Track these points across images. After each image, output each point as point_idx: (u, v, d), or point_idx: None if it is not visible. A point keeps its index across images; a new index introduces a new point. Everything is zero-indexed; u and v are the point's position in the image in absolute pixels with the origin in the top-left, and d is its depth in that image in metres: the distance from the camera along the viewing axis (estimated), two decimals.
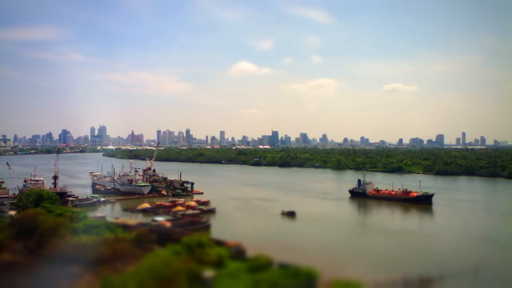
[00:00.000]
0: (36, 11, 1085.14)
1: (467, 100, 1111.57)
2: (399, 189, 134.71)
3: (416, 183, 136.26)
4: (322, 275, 36.23)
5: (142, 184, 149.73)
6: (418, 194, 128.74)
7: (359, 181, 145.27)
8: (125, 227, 66.30)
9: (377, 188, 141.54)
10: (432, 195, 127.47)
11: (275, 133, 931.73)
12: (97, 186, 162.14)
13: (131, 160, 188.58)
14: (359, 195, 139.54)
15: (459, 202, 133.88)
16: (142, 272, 34.40)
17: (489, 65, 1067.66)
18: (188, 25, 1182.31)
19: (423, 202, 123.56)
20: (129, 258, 42.50)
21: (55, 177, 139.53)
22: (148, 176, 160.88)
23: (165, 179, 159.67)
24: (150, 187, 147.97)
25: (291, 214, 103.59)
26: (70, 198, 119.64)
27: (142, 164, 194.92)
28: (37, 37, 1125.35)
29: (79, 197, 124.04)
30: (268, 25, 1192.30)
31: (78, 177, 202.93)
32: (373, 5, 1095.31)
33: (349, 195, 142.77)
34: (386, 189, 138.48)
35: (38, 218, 58.18)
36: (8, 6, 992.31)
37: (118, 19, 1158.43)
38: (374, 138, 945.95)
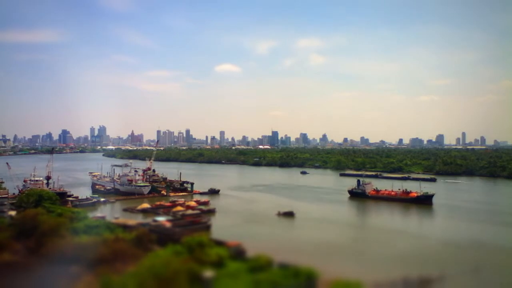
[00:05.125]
0: (36, 13, 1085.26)
1: (467, 100, 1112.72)
2: (399, 189, 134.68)
3: (416, 183, 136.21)
4: (322, 275, 36.20)
5: (142, 184, 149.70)
6: (418, 194, 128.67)
7: (358, 181, 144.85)
8: (125, 227, 66.16)
9: (376, 188, 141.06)
10: (432, 195, 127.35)
11: (275, 133, 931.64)
12: (97, 186, 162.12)
13: (130, 160, 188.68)
14: (358, 195, 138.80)
15: (459, 202, 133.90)
16: (142, 272, 34.35)
17: (488, 63, 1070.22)
18: (187, 25, 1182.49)
19: (424, 202, 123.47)
20: (129, 258, 42.42)
21: (48, 177, 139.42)
22: (148, 176, 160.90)
23: (165, 179, 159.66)
24: (150, 187, 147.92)
25: (289, 215, 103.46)
26: (70, 199, 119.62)
27: (142, 164, 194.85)
28: (37, 39, 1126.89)
29: (79, 197, 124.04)
30: (267, 26, 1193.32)
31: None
32: (368, 4, 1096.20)
33: (348, 195, 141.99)
34: (386, 189, 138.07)
35: (38, 218, 58.12)
36: (8, 8, 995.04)
37: (118, 20, 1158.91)
38: (374, 138, 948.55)
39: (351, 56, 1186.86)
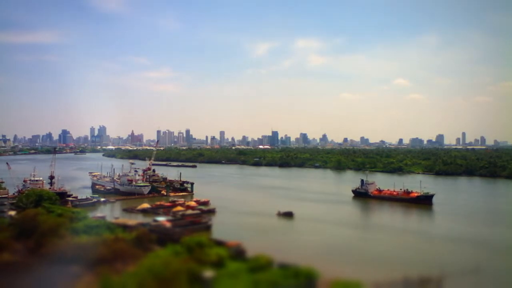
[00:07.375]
0: (36, 15, 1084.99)
1: (467, 100, 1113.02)
2: (400, 189, 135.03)
3: (417, 183, 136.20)
4: (322, 275, 36.18)
5: (142, 184, 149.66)
6: (419, 194, 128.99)
7: (362, 181, 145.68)
8: (125, 227, 66.18)
9: (379, 188, 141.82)
10: (432, 196, 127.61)
11: (275, 133, 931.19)
12: (97, 186, 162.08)
13: (130, 161, 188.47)
14: (361, 195, 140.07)
15: (459, 202, 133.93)
16: (142, 272, 34.33)
17: (487, 63, 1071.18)
18: (187, 26, 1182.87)
19: (424, 202, 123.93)
20: (129, 258, 42.40)
21: (51, 177, 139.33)
22: (148, 176, 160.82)
23: (165, 179, 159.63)
24: (150, 187, 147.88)
25: (288, 215, 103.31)
26: (70, 198, 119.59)
27: (141, 164, 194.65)
28: (37, 40, 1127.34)
29: (79, 197, 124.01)
30: (266, 27, 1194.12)
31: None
32: (367, 4, 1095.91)
33: (352, 195, 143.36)
34: (388, 189, 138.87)
35: (38, 218, 58.08)
36: (8, 10, 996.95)
37: (119, 21, 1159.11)
38: (374, 138, 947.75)
39: (351, 56, 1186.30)
